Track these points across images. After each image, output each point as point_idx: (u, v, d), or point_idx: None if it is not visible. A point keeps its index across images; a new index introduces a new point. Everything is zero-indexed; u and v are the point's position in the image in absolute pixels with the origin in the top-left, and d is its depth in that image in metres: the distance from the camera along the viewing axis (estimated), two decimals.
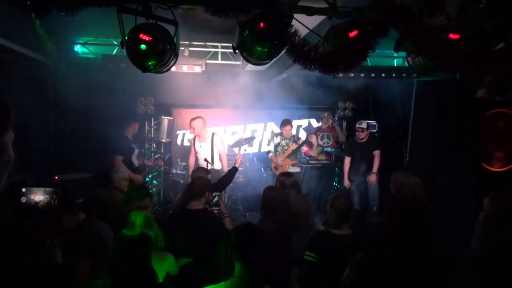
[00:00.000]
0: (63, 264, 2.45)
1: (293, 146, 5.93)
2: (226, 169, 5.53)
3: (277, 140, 6.12)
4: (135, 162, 5.69)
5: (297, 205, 3.51)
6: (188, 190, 3.32)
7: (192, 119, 5.61)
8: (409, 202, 3.08)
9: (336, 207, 2.97)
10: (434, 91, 6.11)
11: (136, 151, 5.75)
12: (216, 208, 3.56)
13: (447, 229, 3.31)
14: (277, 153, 6.11)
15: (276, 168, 6.10)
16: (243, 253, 1.93)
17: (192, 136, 5.92)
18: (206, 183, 3.31)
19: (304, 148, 6.63)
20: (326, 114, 7.00)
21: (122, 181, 4.23)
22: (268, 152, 6.20)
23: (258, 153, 8.35)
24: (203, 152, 5.66)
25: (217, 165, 5.68)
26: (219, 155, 5.71)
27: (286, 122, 6.11)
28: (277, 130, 8.48)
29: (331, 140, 6.65)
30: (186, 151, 8.16)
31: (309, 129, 7.93)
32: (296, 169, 6.05)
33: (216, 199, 3.57)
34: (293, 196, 3.56)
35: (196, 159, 5.77)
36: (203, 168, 4.74)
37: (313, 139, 5.90)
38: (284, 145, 6.03)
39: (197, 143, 5.73)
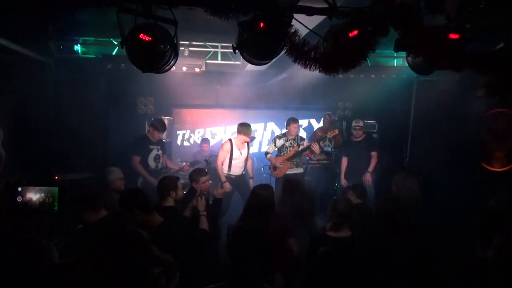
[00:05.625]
0: (59, 264, 2.44)
1: (294, 150, 5.89)
2: (251, 172, 5.95)
3: (280, 142, 6.04)
4: (151, 164, 5.58)
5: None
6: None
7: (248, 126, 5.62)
8: (393, 202, 3.17)
9: (336, 210, 3.00)
10: (434, 91, 6.10)
11: (154, 153, 5.64)
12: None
13: (447, 229, 3.31)
14: (282, 154, 6.06)
15: (274, 168, 6.05)
16: (240, 253, 1.92)
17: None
18: (167, 182, 3.43)
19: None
20: (327, 114, 6.98)
21: (117, 182, 4.18)
22: (266, 153, 6.17)
23: (258, 153, 8.35)
24: (242, 158, 5.72)
25: (239, 170, 5.73)
26: (247, 159, 5.83)
27: (291, 120, 5.99)
28: (277, 130, 8.51)
29: (332, 143, 6.67)
30: (185, 151, 8.19)
31: (310, 131, 7.89)
32: (299, 170, 6.02)
33: None
34: None
35: (230, 164, 5.65)
36: (201, 169, 4.70)
37: (316, 148, 5.85)
38: (288, 147, 5.97)
39: (236, 150, 5.66)
